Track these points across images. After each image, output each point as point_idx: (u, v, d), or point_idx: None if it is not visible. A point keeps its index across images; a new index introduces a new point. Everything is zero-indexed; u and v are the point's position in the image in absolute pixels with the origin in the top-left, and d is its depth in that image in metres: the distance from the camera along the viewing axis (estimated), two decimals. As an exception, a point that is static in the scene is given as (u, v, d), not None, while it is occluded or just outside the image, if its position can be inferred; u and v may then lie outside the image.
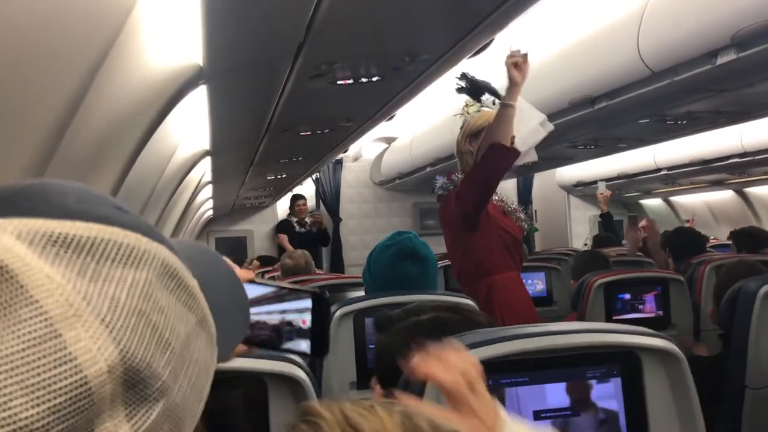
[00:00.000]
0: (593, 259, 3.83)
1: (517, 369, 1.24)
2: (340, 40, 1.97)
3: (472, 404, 0.78)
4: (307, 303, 0.78)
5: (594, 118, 3.95)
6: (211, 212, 7.73)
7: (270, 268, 5.22)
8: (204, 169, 4.19)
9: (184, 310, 0.44)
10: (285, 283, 0.81)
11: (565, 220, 8.68)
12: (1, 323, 0.36)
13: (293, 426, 0.55)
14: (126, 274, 0.40)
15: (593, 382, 1.28)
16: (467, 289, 2.82)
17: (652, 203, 9.22)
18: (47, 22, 1.08)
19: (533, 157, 2.94)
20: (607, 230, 5.87)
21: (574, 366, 1.28)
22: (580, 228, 8.65)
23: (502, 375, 1.24)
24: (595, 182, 7.80)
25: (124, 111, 1.64)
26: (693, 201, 8.41)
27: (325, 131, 3.54)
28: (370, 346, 2.19)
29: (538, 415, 1.24)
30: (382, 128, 6.17)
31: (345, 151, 6.83)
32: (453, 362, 0.80)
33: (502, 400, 1.25)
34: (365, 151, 8.40)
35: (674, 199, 8.86)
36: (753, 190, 7.62)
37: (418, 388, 1.18)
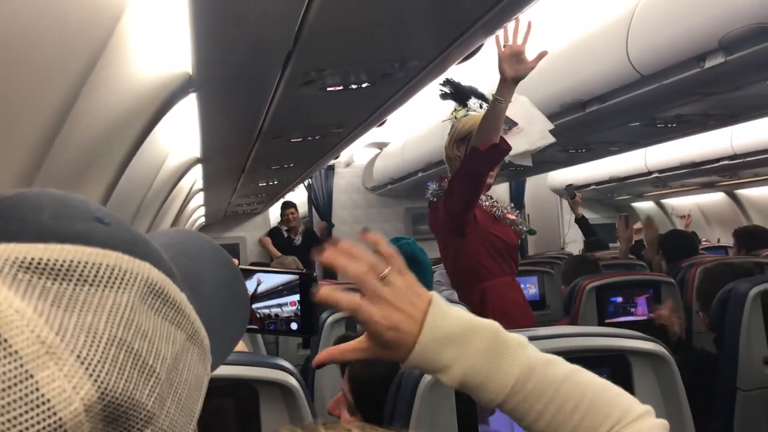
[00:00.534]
0: (583, 263, 3.84)
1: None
2: (329, 48, 1.98)
3: (385, 295, 0.75)
4: (295, 284, 0.80)
5: (585, 122, 3.97)
6: (203, 219, 7.71)
7: None
8: (195, 177, 4.18)
9: (172, 328, 0.42)
10: (272, 267, 0.83)
11: (557, 224, 8.70)
12: None
13: None
14: (105, 299, 0.38)
15: (584, 385, 1.29)
16: (461, 294, 2.82)
17: (644, 206, 9.25)
18: (34, 29, 1.08)
19: (528, 162, 2.94)
20: (587, 234, 5.86)
21: (564, 370, 1.29)
22: (574, 231, 8.67)
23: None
24: (588, 185, 7.83)
25: (113, 119, 1.64)
26: (684, 203, 8.44)
27: (316, 138, 3.54)
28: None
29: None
30: (374, 134, 6.17)
31: (336, 157, 6.83)
32: (362, 255, 0.77)
33: (493, 410, 1.25)
34: (357, 157, 8.40)
35: (666, 201, 8.90)
36: (744, 192, 7.66)
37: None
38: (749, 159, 5.57)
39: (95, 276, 0.38)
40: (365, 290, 0.75)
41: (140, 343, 0.39)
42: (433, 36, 2.13)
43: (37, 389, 0.34)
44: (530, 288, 4.43)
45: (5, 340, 0.34)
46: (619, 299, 3.31)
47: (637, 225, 5.13)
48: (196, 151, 3.26)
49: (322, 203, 8.45)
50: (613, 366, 1.31)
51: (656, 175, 6.73)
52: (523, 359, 0.74)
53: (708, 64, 2.86)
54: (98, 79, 1.41)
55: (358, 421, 1.08)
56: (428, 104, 5.02)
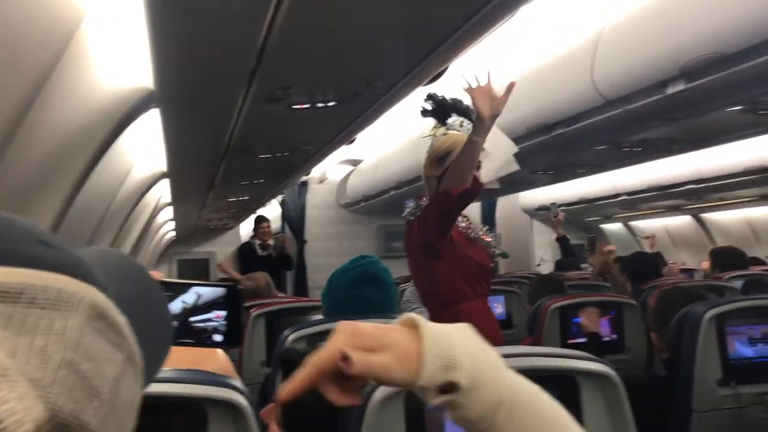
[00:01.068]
0: (548, 283, 3.87)
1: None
2: (295, 66, 1.99)
3: (362, 351, 0.68)
4: (221, 297, 0.81)
5: (551, 145, 4.03)
6: (173, 234, 7.65)
7: None
8: (163, 191, 4.16)
9: (113, 350, 0.43)
10: (197, 281, 0.83)
11: (528, 244, 8.77)
12: None
13: None
14: (53, 321, 0.39)
15: (532, 406, 1.30)
16: (433, 314, 2.79)
17: (613, 227, 9.37)
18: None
19: (495, 185, 2.95)
20: (566, 254, 5.91)
21: (514, 390, 1.30)
22: (543, 252, 8.75)
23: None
24: (559, 206, 7.92)
25: (71, 133, 1.63)
26: (652, 225, 8.57)
27: (285, 154, 3.55)
28: (323, 371, 2.18)
29: (476, 440, 1.25)
30: (348, 151, 6.20)
31: (308, 174, 6.83)
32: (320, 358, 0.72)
33: (443, 427, 1.26)
34: (331, 173, 8.42)
35: (634, 223, 9.03)
36: (709, 216, 7.80)
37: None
38: (714, 183, 5.68)
39: (44, 299, 0.39)
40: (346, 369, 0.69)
41: (87, 365, 0.40)
42: (400, 57, 2.15)
43: None
44: (497, 307, 4.44)
45: None
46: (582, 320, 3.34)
47: (610, 247, 5.17)
48: (162, 166, 3.25)
49: (295, 219, 8.44)
50: (562, 387, 1.32)
51: (624, 197, 6.83)
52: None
53: (670, 90, 2.93)
54: (53, 91, 1.40)
55: None
56: (402, 121, 5.07)
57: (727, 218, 7.57)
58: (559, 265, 6.16)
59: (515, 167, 2.86)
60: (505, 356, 1.30)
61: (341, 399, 0.69)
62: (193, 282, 0.83)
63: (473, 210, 8.38)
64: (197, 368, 1.76)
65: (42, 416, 0.36)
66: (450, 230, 2.61)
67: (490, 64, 3.83)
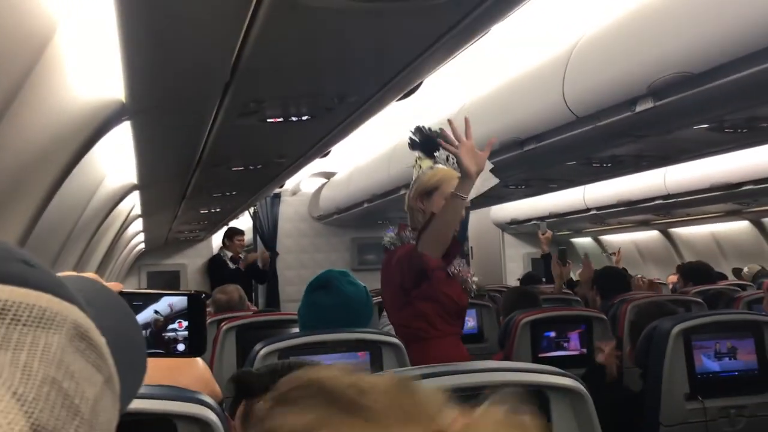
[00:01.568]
0: (523, 297, 3.90)
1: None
2: (268, 80, 1.99)
3: None
4: (182, 305, 0.81)
5: (523, 160, 4.07)
6: (142, 246, 7.56)
7: None
8: (133, 202, 4.11)
9: (93, 371, 0.43)
10: (156, 290, 0.83)
11: (499, 257, 8.83)
12: None
13: None
14: (38, 338, 0.39)
15: (503, 421, 1.31)
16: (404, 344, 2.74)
17: (583, 242, 9.48)
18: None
19: (474, 194, 2.95)
20: (548, 271, 5.94)
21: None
22: (515, 265, 8.82)
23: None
24: (530, 220, 8.00)
25: (40, 144, 1.61)
26: (621, 240, 8.68)
27: (258, 167, 3.54)
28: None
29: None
30: (321, 163, 6.20)
31: (282, 186, 6.81)
32: None
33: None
34: (304, 186, 8.40)
35: (604, 238, 9.14)
36: (677, 231, 7.93)
37: None
38: (682, 199, 5.79)
39: (28, 316, 0.39)
40: None
41: (69, 383, 0.40)
42: (373, 73, 2.16)
43: None
44: (468, 321, 4.46)
45: None
46: (553, 334, 3.37)
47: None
48: (132, 178, 3.22)
49: (267, 231, 8.39)
50: (532, 401, 1.33)
51: (594, 212, 6.92)
52: None
53: (639, 108, 2.98)
54: (25, 103, 1.39)
55: None
56: (375, 135, 5.08)
57: (693, 233, 7.70)
58: (526, 279, 6.22)
59: (495, 181, 2.88)
60: (476, 371, 1.32)
61: None
62: (156, 291, 0.83)
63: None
64: (176, 375, 1.74)
65: (25, 431, 0.36)
66: (426, 279, 2.58)
67: (463, 80, 3.87)
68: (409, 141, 2.80)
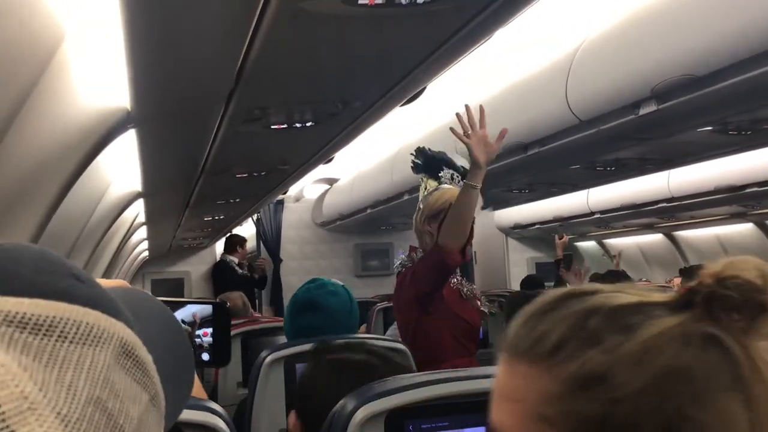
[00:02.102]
0: (527, 301, 3.88)
1: (437, 414, 1.25)
2: (272, 87, 2.00)
3: None
4: (208, 314, 0.80)
5: (527, 164, 4.07)
6: (146, 253, 7.57)
7: None
8: (138, 210, 4.12)
9: (138, 389, 0.43)
10: (184, 298, 0.83)
11: (503, 262, 8.81)
12: None
13: None
14: (84, 356, 0.38)
15: (512, 426, 1.31)
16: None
17: (587, 245, 9.46)
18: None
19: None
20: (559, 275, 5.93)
21: (493, 410, 1.30)
22: (518, 269, 8.80)
23: (422, 420, 1.25)
24: (533, 225, 8.00)
25: (48, 153, 1.62)
26: (626, 243, 8.67)
27: (262, 174, 3.54)
28: (301, 392, 2.17)
29: (457, 460, 1.25)
30: (323, 169, 6.20)
31: (285, 192, 6.82)
32: None
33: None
34: (307, 192, 8.40)
35: (608, 241, 9.12)
36: (681, 234, 7.91)
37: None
38: (686, 202, 5.78)
39: (75, 333, 0.39)
40: None
41: (113, 403, 0.39)
42: (377, 78, 2.17)
43: None
44: (473, 325, 4.45)
45: None
46: (558, 338, 3.35)
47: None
48: (137, 185, 3.22)
49: (270, 238, 8.39)
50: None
51: (598, 215, 6.91)
52: None
53: (642, 111, 2.98)
54: (31, 111, 1.39)
55: None
56: (378, 141, 5.09)
57: (698, 236, 7.69)
58: (526, 282, 6.21)
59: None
60: (485, 376, 1.31)
61: None
62: (181, 300, 0.82)
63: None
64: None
65: None
66: (448, 277, 2.59)
67: (467, 83, 3.87)
68: (411, 165, 2.82)
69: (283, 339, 3.00)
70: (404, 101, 2.53)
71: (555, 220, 7.40)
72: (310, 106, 2.34)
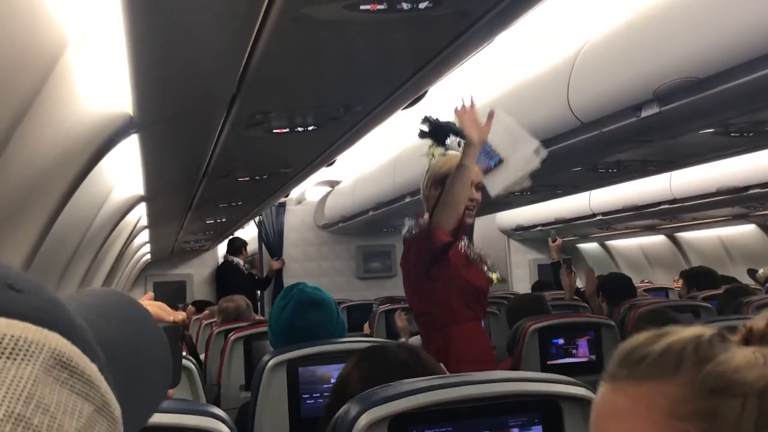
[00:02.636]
0: (532, 303, 3.88)
1: (440, 419, 1.25)
2: (274, 91, 2.00)
3: None
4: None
5: (529, 166, 4.06)
6: (148, 256, 7.58)
7: (200, 315, 5.11)
8: (140, 214, 4.13)
9: (78, 401, 0.40)
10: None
11: (505, 264, 8.81)
12: None
13: None
14: (6, 371, 0.36)
15: (515, 430, 1.31)
16: (424, 336, 2.75)
17: (589, 247, 9.45)
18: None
19: (527, 183, 2.94)
20: (557, 278, 5.92)
21: (497, 414, 1.30)
22: (521, 271, 8.80)
23: (426, 425, 1.25)
24: (535, 226, 7.99)
25: (51, 158, 1.62)
26: (628, 245, 8.66)
27: (264, 177, 3.55)
28: (304, 396, 2.17)
29: (460, 465, 1.25)
30: (325, 172, 6.20)
31: (287, 195, 6.83)
32: None
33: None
34: (309, 194, 8.40)
35: (610, 243, 9.11)
36: (683, 235, 7.90)
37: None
38: (687, 203, 5.78)
39: None
40: None
41: (40, 419, 0.37)
42: (379, 82, 2.17)
43: None
44: (476, 328, 4.45)
45: None
46: (561, 341, 3.36)
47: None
48: (139, 189, 3.23)
49: (272, 241, 8.40)
50: (545, 411, 1.33)
51: (600, 217, 6.90)
52: None
53: (644, 113, 2.98)
54: (35, 117, 1.40)
55: None
56: (380, 143, 5.09)
57: (700, 237, 7.68)
58: (537, 286, 6.20)
59: (535, 164, 2.86)
60: (488, 381, 1.31)
61: None
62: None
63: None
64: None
65: None
66: (440, 260, 2.59)
67: (468, 86, 3.87)
68: (419, 132, 2.81)
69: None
70: (406, 105, 2.53)
71: (557, 221, 7.39)
72: (312, 111, 2.34)
